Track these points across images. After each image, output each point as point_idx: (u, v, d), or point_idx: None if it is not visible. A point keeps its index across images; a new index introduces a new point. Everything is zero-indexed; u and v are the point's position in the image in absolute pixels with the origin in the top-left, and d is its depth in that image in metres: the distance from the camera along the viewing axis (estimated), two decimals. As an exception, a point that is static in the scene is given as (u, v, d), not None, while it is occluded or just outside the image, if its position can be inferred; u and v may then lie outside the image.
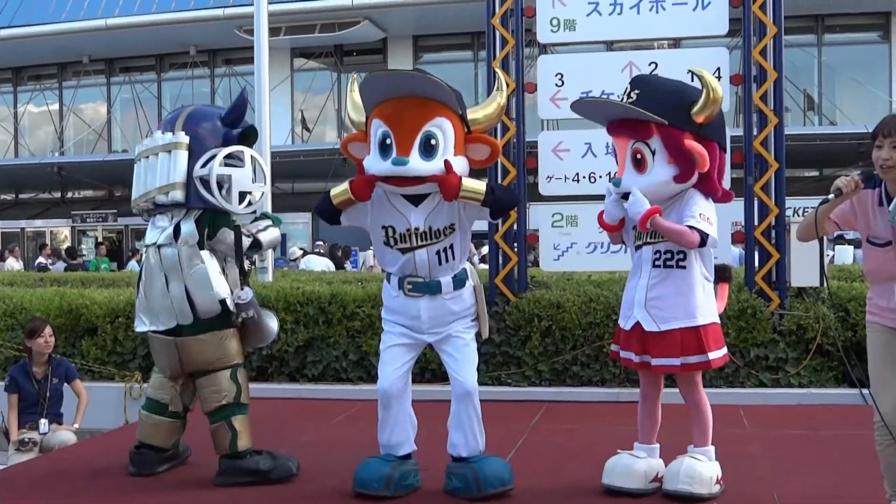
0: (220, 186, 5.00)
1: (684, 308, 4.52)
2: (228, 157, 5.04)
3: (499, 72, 5.11)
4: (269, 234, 5.32)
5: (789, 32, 8.42)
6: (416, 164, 4.35)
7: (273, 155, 10.87)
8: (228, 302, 5.03)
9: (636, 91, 4.49)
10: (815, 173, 26.01)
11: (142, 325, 5.28)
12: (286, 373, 8.16)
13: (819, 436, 6.13)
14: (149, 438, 5.39)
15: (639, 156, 4.49)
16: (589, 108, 4.88)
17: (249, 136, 5.24)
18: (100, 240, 29.73)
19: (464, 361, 4.68)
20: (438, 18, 26.94)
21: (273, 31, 18.64)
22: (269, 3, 11.35)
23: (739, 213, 7.64)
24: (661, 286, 4.54)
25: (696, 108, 4.44)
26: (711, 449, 4.66)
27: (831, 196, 3.91)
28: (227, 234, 5.08)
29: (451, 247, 4.62)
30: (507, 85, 5.21)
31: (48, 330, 7.06)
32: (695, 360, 4.51)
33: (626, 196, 4.52)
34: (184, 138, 5.04)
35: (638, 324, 4.57)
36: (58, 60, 32.11)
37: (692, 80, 4.67)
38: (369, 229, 4.73)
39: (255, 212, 5.36)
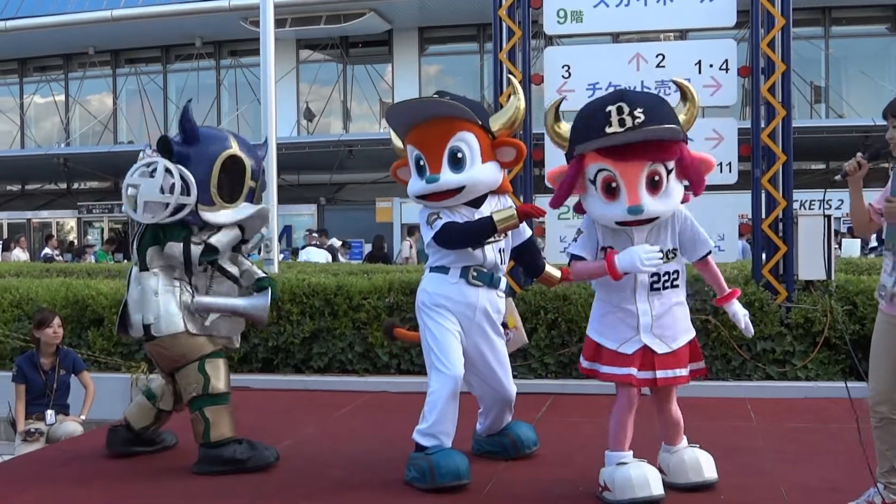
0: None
1: (684, 323, 4.55)
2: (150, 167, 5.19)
3: (513, 73, 5.19)
4: (225, 237, 5.28)
5: (797, 25, 8.38)
6: (447, 178, 4.78)
7: (279, 147, 10.88)
8: (153, 330, 5.16)
9: (639, 110, 4.16)
10: (821, 166, 25.94)
11: None
12: (292, 364, 8.17)
13: (826, 429, 6.12)
14: (128, 414, 5.64)
15: (656, 178, 4.24)
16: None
17: (163, 147, 5.24)
18: (105, 231, 29.84)
19: (507, 371, 5.21)
20: (444, 10, 26.86)
21: (279, 23, 18.64)
22: (275, -6, 11.31)
23: (746, 205, 7.63)
24: (664, 308, 4.45)
25: (685, 118, 4.41)
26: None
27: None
28: (174, 248, 5.16)
29: (503, 250, 5.04)
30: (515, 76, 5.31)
31: (57, 321, 7.08)
32: (696, 367, 4.59)
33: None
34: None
35: (644, 348, 4.44)
36: (63, 52, 32.06)
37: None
38: None
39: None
